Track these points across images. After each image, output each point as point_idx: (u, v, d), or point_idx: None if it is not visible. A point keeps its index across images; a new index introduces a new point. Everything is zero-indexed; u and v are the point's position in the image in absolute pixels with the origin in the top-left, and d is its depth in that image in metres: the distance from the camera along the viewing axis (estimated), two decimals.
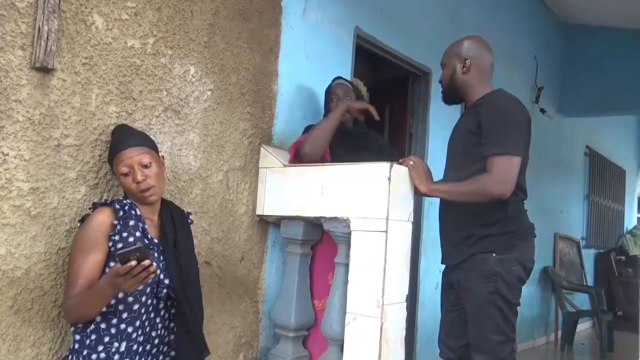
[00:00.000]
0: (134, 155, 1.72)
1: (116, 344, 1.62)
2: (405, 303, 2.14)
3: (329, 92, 2.65)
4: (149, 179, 1.72)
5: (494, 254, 2.09)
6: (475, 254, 2.12)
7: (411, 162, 2.19)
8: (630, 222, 8.93)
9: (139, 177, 1.70)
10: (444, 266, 2.38)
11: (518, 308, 2.16)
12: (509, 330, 2.11)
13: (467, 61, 2.22)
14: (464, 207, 2.17)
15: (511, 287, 2.10)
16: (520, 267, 2.11)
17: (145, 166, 1.73)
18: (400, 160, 2.20)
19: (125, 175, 1.72)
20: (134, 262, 1.41)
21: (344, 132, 2.54)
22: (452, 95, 2.32)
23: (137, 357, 1.66)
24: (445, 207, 2.31)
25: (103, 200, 1.74)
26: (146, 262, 1.43)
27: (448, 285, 2.30)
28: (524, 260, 2.13)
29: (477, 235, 2.13)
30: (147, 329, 1.71)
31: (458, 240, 2.20)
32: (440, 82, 2.36)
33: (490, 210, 2.11)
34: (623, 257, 7.62)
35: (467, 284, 2.15)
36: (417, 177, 2.17)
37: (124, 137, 1.78)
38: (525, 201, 2.26)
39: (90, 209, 1.74)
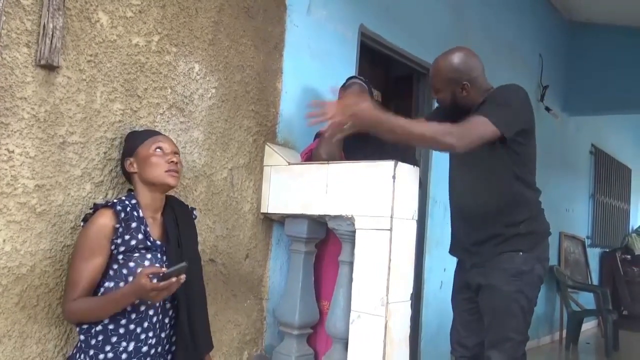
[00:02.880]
0: (171, 143, 1.84)
1: (124, 344, 1.63)
2: (410, 302, 2.14)
3: (343, 91, 2.62)
4: (179, 165, 1.81)
5: (521, 253, 2.10)
6: (503, 253, 2.11)
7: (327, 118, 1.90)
8: (635, 221, 8.89)
9: (175, 159, 1.79)
10: (448, 265, 2.38)
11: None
12: (526, 330, 2.14)
13: (466, 84, 2.13)
14: (486, 207, 2.15)
15: (533, 286, 2.12)
16: (540, 266, 2.13)
17: (176, 154, 1.82)
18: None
19: (156, 153, 1.77)
20: (174, 279, 1.53)
21: (357, 134, 2.52)
22: (456, 112, 2.21)
23: (149, 359, 1.67)
24: (463, 207, 2.28)
25: (104, 202, 1.73)
26: (182, 278, 1.55)
27: (464, 284, 2.28)
28: (542, 260, 2.15)
29: (504, 235, 2.12)
30: (158, 331, 1.71)
31: (482, 240, 2.17)
32: (437, 101, 2.29)
33: (516, 209, 2.12)
34: (628, 256, 7.59)
35: (492, 282, 2.13)
36: (361, 107, 1.88)
37: (152, 131, 1.89)
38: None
39: (91, 209, 1.73)
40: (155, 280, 1.52)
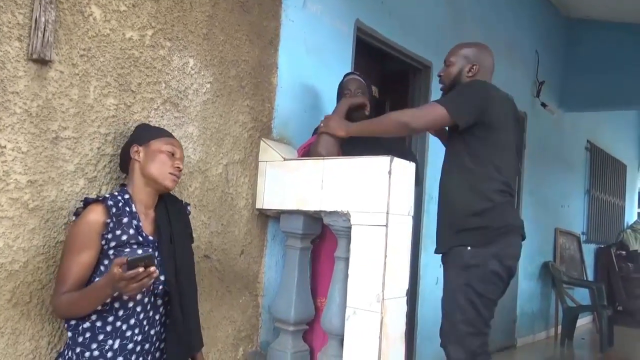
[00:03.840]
0: (182, 150, 1.87)
1: (110, 342, 1.61)
2: (406, 298, 2.13)
3: (341, 87, 2.61)
4: (181, 172, 1.84)
5: (469, 247, 2.16)
6: (453, 247, 2.21)
7: (321, 123, 2.36)
8: (630, 217, 8.92)
9: (181, 166, 1.83)
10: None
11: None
12: (480, 324, 2.16)
13: (475, 67, 2.32)
14: (450, 199, 2.25)
15: (485, 281, 2.15)
16: (496, 262, 2.16)
17: (182, 161, 1.85)
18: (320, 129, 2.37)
19: (166, 154, 1.79)
20: (141, 269, 1.46)
21: None
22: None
23: (134, 357, 1.65)
24: (438, 199, 2.39)
25: (95, 196, 1.72)
26: (152, 269, 1.47)
27: None
28: (501, 256, 2.17)
29: (456, 227, 2.21)
30: (146, 328, 1.69)
31: (443, 231, 2.30)
32: (439, 76, 2.43)
33: (472, 202, 2.19)
34: (623, 252, 7.62)
35: (444, 275, 2.26)
36: (332, 127, 2.32)
37: (169, 132, 1.91)
38: (511, 194, 2.30)
39: (81, 202, 1.72)
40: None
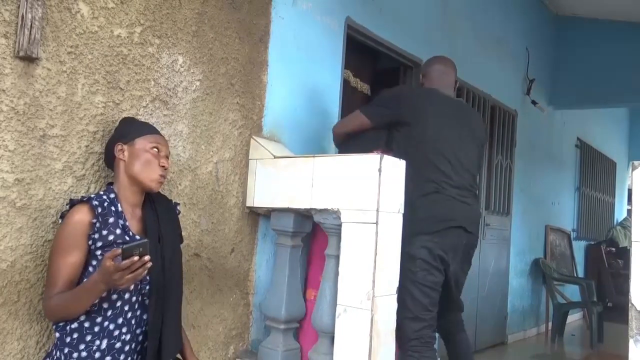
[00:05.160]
0: (167, 146, 1.83)
1: (97, 342, 1.60)
2: (396, 295, 2.14)
3: None
4: (167, 170, 1.81)
5: (408, 236, 2.27)
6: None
7: None
8: (620, 214, 8.98)
9: (167, 164, 1.79)
10: None
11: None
12: (417, 310, 2.27)
13: (423, 78, 2.64)
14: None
15: (416, 267, 2.28)
16: (425, 250, 2.29)
17: (167, 158, 1.81)
18: None
19: (152, 152, 1.75)
20: (136, 258, 1.43)
21: None
22: None
23: (123, 356, 1.64)
24: None
25: (80, 197, 1.70)
26: (146, 258, 1.44)
27: None
28: (431, 247, 2.29)
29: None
30: (134, 327, 1.68)
31: None
32: None
33: (411, 194, 2.29)
34: (613, 249, 7.66)
35: None
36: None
37: (153, 127, 1.85)
38: (444, 187, 2.37)
39: (67, 204, 1.70)
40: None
